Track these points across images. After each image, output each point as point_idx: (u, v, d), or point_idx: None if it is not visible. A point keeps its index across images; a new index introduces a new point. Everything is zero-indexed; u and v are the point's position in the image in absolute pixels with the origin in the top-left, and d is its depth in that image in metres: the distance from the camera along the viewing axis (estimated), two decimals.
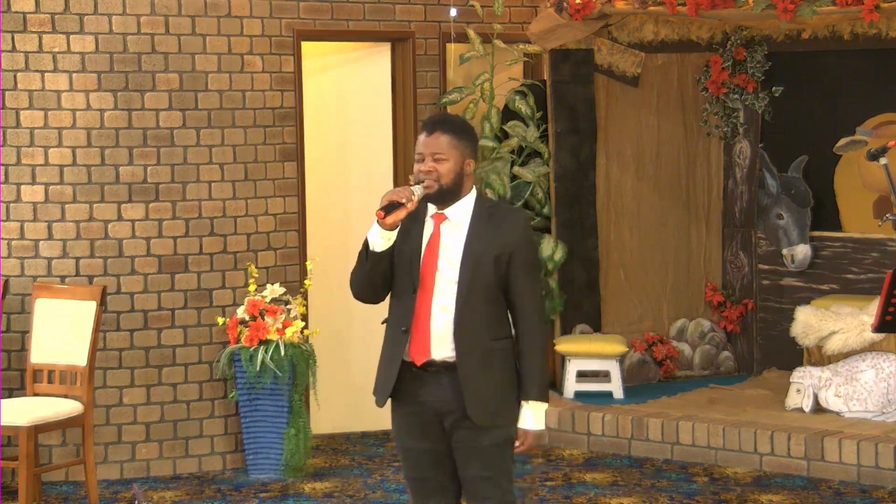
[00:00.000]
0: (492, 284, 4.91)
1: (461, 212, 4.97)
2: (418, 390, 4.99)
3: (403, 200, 4.84)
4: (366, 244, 4.92)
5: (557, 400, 9.01)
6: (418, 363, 4.96)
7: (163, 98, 8.14)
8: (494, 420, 4.94)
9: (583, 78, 9.45)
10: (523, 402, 4.95)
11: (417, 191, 4.88)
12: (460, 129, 4.97)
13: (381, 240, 4.89)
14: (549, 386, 5.04)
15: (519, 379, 4.98)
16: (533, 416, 4.95)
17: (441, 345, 4.92)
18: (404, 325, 4.96)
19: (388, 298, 5.11)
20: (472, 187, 5.01)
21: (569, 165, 9.44)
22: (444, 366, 4.93)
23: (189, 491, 7.89)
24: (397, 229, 4.90)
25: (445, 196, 4.94)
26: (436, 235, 4.96)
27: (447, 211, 4.96)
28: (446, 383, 4.93)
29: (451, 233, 4.96)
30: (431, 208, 4.98)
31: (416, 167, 4.94)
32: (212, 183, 8.28)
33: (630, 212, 9.74)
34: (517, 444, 4.97)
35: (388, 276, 4.99)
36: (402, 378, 5.01)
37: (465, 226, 4.95)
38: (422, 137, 4.96)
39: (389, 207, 4.84)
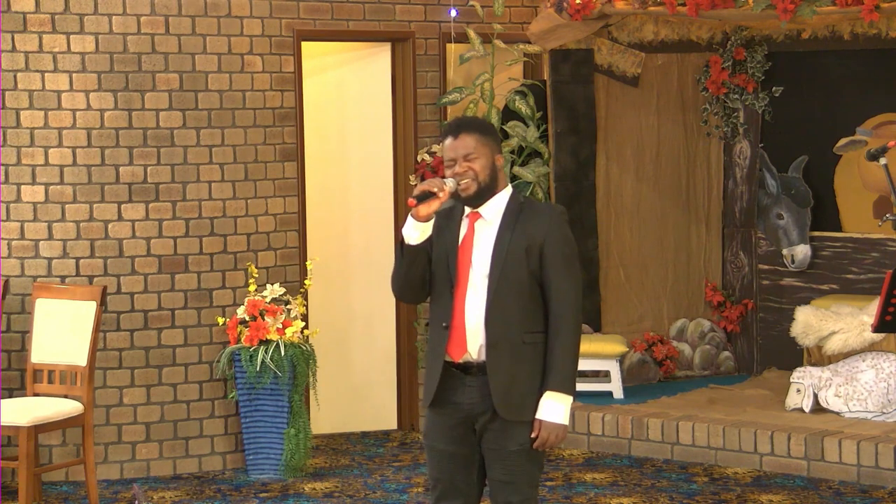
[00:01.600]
0: (524, 278, 4.91)
1: (495, 208, 4.99)
2: (453, 391, 4.98)
3: (435, 189, 4.86)
4: (400, 241, 4.95)
5: None
6: (456, 360, 4.96)
7: (163, 98, 8.14)
8: (519, 414, 4.91)
9: (583, 78, 9.45)
10: (544, 393, 4.91)
11: (450, 183, 4.90)
12: (483, 127, 5.02)
13: (416, 232, 4.91)
14: (573, 380, 4.94)
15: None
16: (549, 406, 4.89)
17: (476, 340, 4.93)
18: (445, 321, 4.97)
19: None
20: (507, 184, 5.04)
21: (569, 165, 9.44)
22: (480, 366, 4.93)
23: (189, 491, 7.89)
24: (431, 222, 4.92)
25: (484, 194, 4.96)
26: (470, 233, 4.99)
27: (482, 209, 4.99)
28: (479, 385, 4.93)
29: (485, 229, 4.98)
30: (466, 208, 5.01)
31: (449, 172, 4.95)
32: (212, 183, 8.28)
33: (630, 212, 9.74)
34: (532, 435, 4.92)
35: (426, 275, 5.00)
36: (442, 378, 5.00)
37: (497, 222, 4.97)
38: (448, 142, 4.97)
39: (422, 197, 4.86)
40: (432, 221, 4.93)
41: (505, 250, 4.92)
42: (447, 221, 5.02)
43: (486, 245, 4.95)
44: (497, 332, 4.90)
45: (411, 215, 4.90)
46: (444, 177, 4.96)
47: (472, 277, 4.95)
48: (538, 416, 4.91)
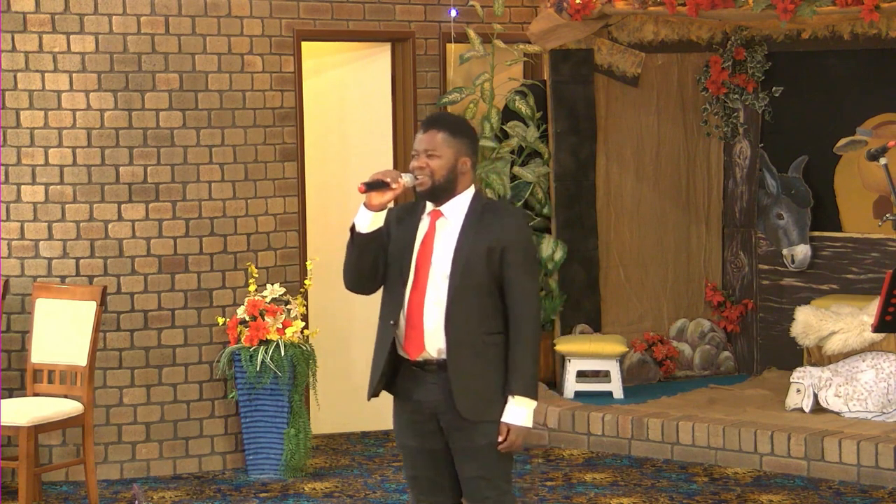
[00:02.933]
0: (484, 279, 4.91)
1: (457, 209, 4.98)
2: (414, 389, 5.01)
3: (388, 180, 4.85)
4: (352, 228, 4.93)
5: (557, 400, 9.02)
6: (413, 357, 4.97)
7: (163, 98, 8.14)
8: (482, 414, 4.92)
9: (583, 78, 9.45)
10: (508, 397, 4.93)
11: (406, 177, 4.90)
12: (456, 127, 5.00)
13: (367, 220, 4.90)
14: (537, 384, 4.98)
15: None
16: (515, 411, 4.92)
17: (434, 339, 4.93)
18: (393, 318, 4.97)
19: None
20: (470, 185, 5.02)
21: (569, 165, 9.45)
22: (440, 364, 4.94)
23: (189, 491, 7.89)
24: (384, 213, 4.91)
25: (439, 192, 4.96)
26: (431, 231, 4.99)
27: (443, 208, 4.99)
28: (441, 382, 4.94)
29: (446, 229, 4.98)
30: (429, 205, 5.01)
31: (411, 164, 4.97)
32: (212, 183, 8.28)
33: (630, 212, 9.74)
34: (499, 439, 4.93)
35: (377, 266, 4.99)
36: (400, 375, 5.03)
37: (459, 222, 4.97)
38: (418, 135, 5.00)
39: (373, 185, 4.85)
40: (385, 212, 4.91)
41: (466, 251, 4.91)
42: (408, 217, 5.02)
43: (447, 245, 4.95)
44: (458, 333, 4.90)
45: (364, 204, 4.88)
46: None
47: (432, 277, 4.94)
48: (505, 419, 4.93)
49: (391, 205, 4.97)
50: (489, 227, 4.93)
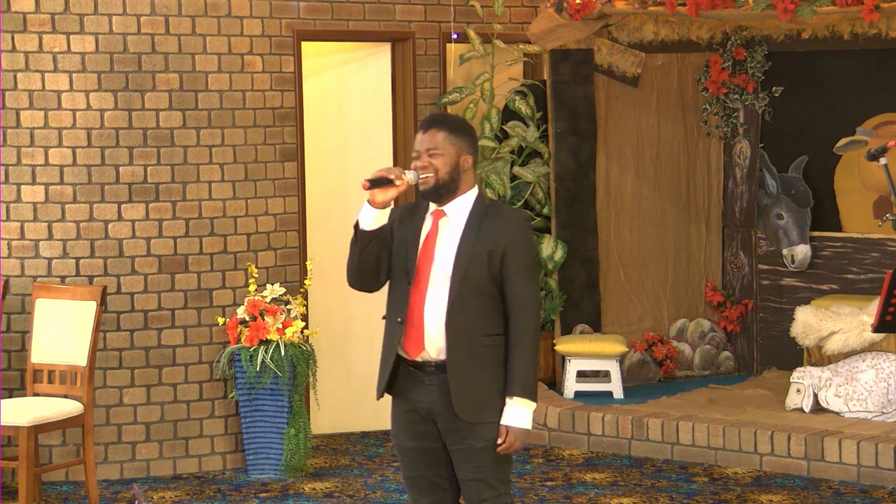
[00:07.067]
0: (485, 281, 4.91)
1: (460, 209, 4.98)
2: (412, 389, 5.01)
3: (392, 177, 4.85)
4: (356, 225, 4.94)
5: (557, 400, 9.02)
6: (412, 356, 4.97)
7: (163, 98, 8.14)
8: (480, 416, 4.92)
9: (583, 78, 9.46)
10: (507, 399, 4.93)
11: (409, 174, 4.90)
12: (456, 126, 5.00)
13: (370, 218, 4.90)
14: (536, 386, 4.98)
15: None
16: (515, 412, 4.92)
17: (434, 339, 4.93)
18: (399, 316, 4.98)
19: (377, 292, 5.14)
20: (473, 185, 5.02)
21: (569, 165, 9.45)
22: (438, 366, 4.94)
23: (189, 491, 7.89)
24: (388, 210, 4.91)
25: (442, 191, 4.96)
26: (434, 231, 4.99)
27: (446, 207, 4.99)
28: (439, 384, 4.94)
29: (449, 229, 4.98)
30: (431, 205, 5.01)
31: (413, 164, 4.97)
32: (212, 183, 8.28)
33: (630, 212, 9.74)
34: (498, 441, 4.94)
35: (381, 264, 5.00)
36: (399, 375, 5.03)
37: (462, 222, 4.97)
38: (418, 136, 5.00)
39: (377, 181, 4.85)
40: (389, 209, 4.92)
41: (468, 252, 4.91)
42: (410, 216, 5.02)
43: (449, 245, 4.95)
44: (457, 333, 4.90)
45: (367, 201, 4.89)
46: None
47: (434, 277, 4.94)
48: (504, 421, 4.93)
49: (392, 204, 4.98)
50: (491, 229, 4.93)
